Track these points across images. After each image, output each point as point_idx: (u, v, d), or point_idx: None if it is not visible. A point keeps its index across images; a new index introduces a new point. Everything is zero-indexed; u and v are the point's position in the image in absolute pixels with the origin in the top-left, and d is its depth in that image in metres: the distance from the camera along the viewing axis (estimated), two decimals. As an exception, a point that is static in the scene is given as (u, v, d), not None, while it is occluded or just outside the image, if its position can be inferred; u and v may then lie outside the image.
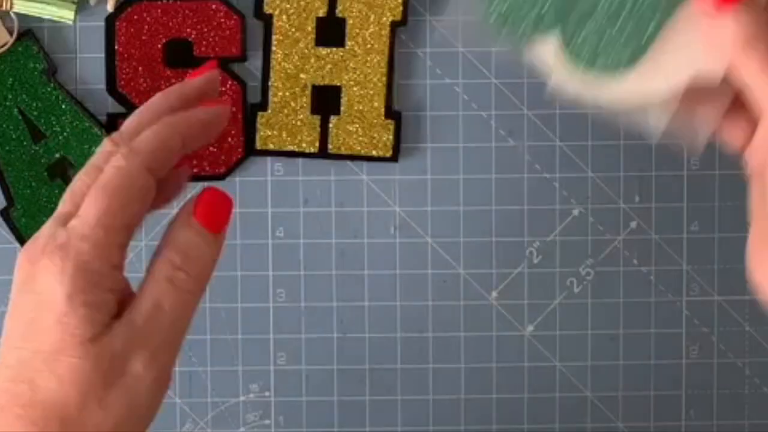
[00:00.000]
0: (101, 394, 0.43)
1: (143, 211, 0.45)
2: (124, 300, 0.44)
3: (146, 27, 0.63)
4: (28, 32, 0.63)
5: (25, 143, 0.63)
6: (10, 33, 0.62)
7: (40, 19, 0.63)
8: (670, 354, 0.65)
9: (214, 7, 0.62)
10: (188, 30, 0.63)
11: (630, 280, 0.65)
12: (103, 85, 0.63)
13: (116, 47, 0.63)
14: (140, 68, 0.63)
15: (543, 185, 0.64)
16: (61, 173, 0.63)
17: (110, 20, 0.63)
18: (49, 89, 0.63)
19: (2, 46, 0.62)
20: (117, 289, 0.44)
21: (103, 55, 0.63)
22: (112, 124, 0.63)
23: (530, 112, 0.64)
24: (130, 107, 0.63)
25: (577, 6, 0.47)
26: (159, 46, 0.63)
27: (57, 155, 0.63)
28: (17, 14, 0.62)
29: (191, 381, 0.64)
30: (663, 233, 0.65)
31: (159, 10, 0.63)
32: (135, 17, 0.63)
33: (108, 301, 0.43)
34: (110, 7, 0.63)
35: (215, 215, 0.46)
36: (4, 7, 0.62)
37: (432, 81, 0.64)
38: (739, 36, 0.45)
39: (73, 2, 0.63)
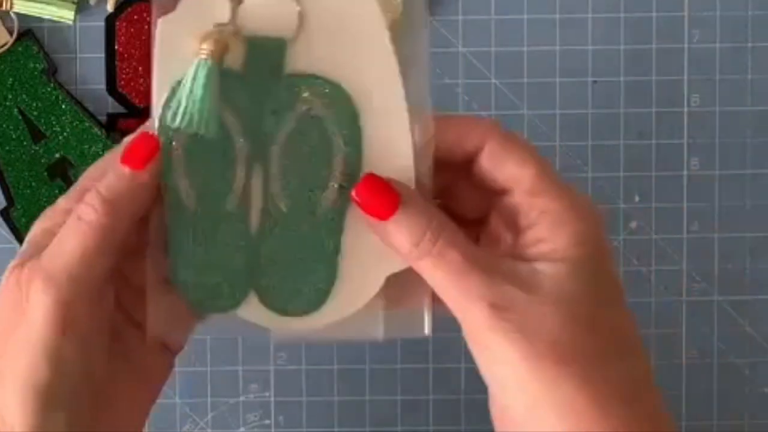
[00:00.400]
0: (11, 316, 0.45)
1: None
2: None
3: (146, 27, 0.63)
4: (28, 32, 0.63)
5: (25, 143, 0.63)
6: (10, 33, 0.62)
7: (40, 19, 0.63)
8: (670, 354, 0.65)
9: None
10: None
11: (630, 280, 0.65)
12: (103, 85, 0.63)
13: (116, 47, 0.63)
14: (140, 68, 0.63)
15: (543, 185, 0.64)
16: (61, 173, 0.63)
17: (110, 20, 0.63)
18: (49, 89, 0.63)
19: (2, 46, 0.62)
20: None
21: (103, 55, 0.63)
22: (112, 124, 0.63)
23: (530, 112, 0.64)
24: (130, 107, 0.63)
25: (258, 259, 0.47)
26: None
27: (57, 155, 0.63)
28: (17, 14, 0.62)
29: (191, 381, 0.64)
30: (663, 233, 0.65)
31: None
32: (135, 17, 0.63)
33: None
34: (110, 7, 0.63)
35: (134, 153, 0.46)
36: (4, 7, 0.62)
37: (432, 81, 0.64)
38: (406, 243, 0.45)
39: (73, 2, 0.63)
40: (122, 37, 0.63)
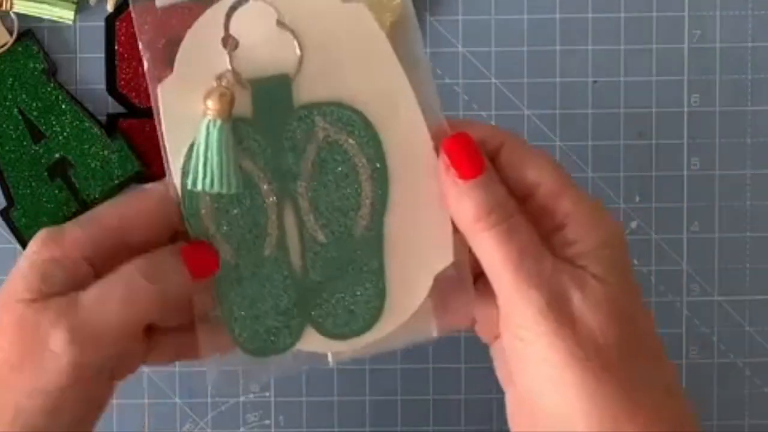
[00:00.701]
0: (14, 360, 0.44)
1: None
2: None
3: (146, 27, 0.63)
4: (28, 32, 0.63)
5: (25, 143, 0.63)
6: (10, 33, 0.62)
7: (40, 19, 0.63)
8: (670, 354, 0.64)
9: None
10: (188, 30, 0.63)
11: (630, 280, 0.65)
12: (103, 85, 0.63)
13: (116, 47, 0.63)
14: (140, 68, 0.63)
15: (543, 185, 0.64)
16: (61, 173, 0.63)
17: (110, 20, 0.63)
18: (49, 89, 0.63)
19: (2, 46, 0.62)
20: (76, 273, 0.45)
21: (103, 55, 0.63)
22: (112, 124, 0.63)
23: (530, 112, 0.64)
24: (130, 107, 0.63)
25: (306, 293, 0.47)
26: (159, 46, 0.63)
27: (57, 155, 0.63)
28: (17, 14, 0.62)
29: (191, 381, 0.64)
30: (663, 233, 0.65)
31: (159, 10, 0.62)
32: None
33: (57, 274, 0.44)
34: (110, 7, 0.63)
35: (199, 264, 0.46)
36: (4, 7, 0.62)
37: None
38: (480, 208, 0.45)
39: (73, 2, 0.63)
40: (122, 37, 0.63)
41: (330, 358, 0.49)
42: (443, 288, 0.48)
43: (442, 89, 0.64)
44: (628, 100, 0.64)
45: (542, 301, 0.43)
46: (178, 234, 0.47)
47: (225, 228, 0.46)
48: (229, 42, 0.45)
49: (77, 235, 0.45)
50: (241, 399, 0.65)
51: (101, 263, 0.45)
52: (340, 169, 0.46)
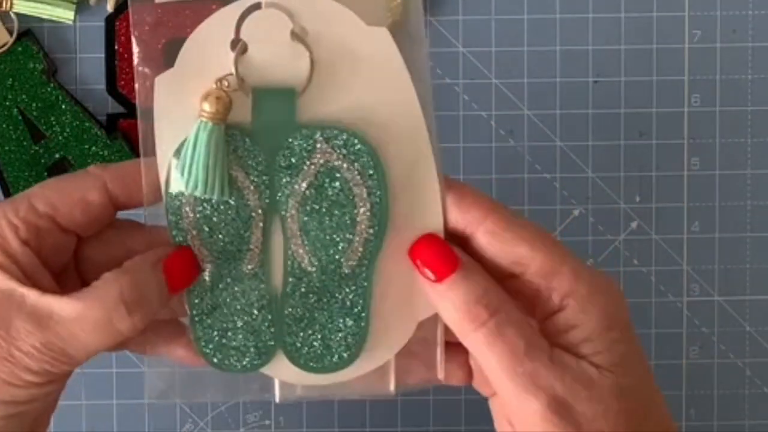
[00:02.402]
0: None
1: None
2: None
3: (146, 27, 0.63)
4: (28, 32, 0.63)
5: (25, 143, 0.63)
6: (10, 33, 0.62)
7: (40, 19, 0.63)
8: (670, 354, 0.65)
9: (214, 7, 0.62)
10: (188, 30, 0.62)
11: (630, 280, 0.65)
12: (103, 85, 0.63)
13: (116, 47, 0.63)
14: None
15: (543, 185, 0.64)
16: (61, 173, 0.63)
17: (110, 20, 0.63)
18: (49, 89, 0.63)
19: (2, 46, 0.62)
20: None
21: (103, 55, 0.63)
22: (112, 124, 0.63)
23: (530, 112, 0.64)
24: (130, 107, 0.63)
25: (282, 317, 0.45)
26: (159, 46, 0.63)
27: (57, 155, 0.63)
28: (17, 14, 0.62)
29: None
30: (663, 233, 0.65)
31: (159, 10, 0.62)
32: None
33: None
34: (110, 7, 0.63)
35: (180, 277, 0.45)
36: (4, 7, 0.62)
37: (432, 81, 0.64)
38: (460, 308, 0.42)
39: (73, 2, 0.63)
40: (122, 37, 0.63)
41: (277, 392, 0.47)
42: (409, 344, 0.45)
43: (442, 89, 0.64)
44: (628, 100, 0.64)
45: (543, 407, 0.41)
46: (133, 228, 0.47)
47: (206, 233, 0.45)
48: (239, 45, 0.44)
49: (13, 220, 0.44)
50: (242, 399, 0.65)
51: (40, 243, 0.44)
52: (336, 197, 0.44)
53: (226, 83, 0.44)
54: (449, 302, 0.43)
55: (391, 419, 0.65)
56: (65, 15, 0.63)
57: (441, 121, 0.64)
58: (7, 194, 0.63)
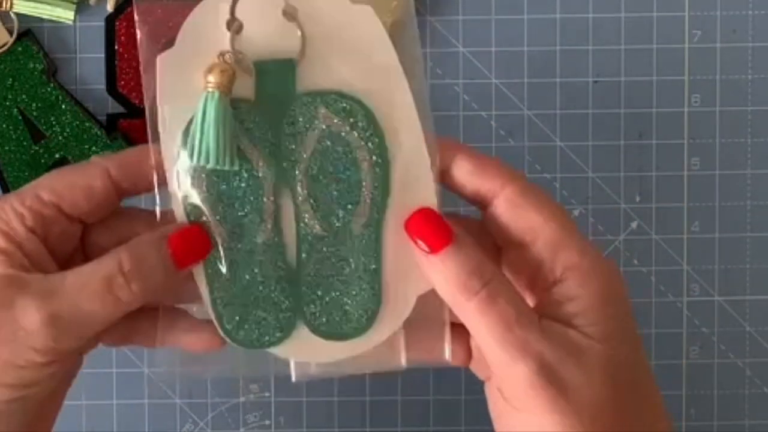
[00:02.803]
0: None
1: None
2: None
3: (146, 27, 0.63)
4: (28, 32, 0.63)
5: (25, 143, 0.63)
6: (10, 33, 0.62)
7: (40, 19, 0.63)
8: (670, 354, 0.65)
9: None
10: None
11: (630, 280, 0.64)
12: (103, 85, 0.63)
13: (116, 47, 0.63)
14: (140, 68, 0.63)
15: (543, 185, 0.64)
16: (61, 173, 0.63)
17: (110, 20, 0.63)
18: (49, 89, 0.63)
19: (2, 46, 0.62)
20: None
21: (103, 55, 0.63)
22: (112, 124, 0.63)
23: (530, 112, 0.64)
24: (130, 107, 0.63)
25: (300, 287, 0.46)
26: (159, 46, 0.63)
27: (57, 155, 0.63)
28: (17, 14, 0.62)
29: (191, 381, 0.64)
30: (663, 233, 0.65)
31: (159, 10, 0.62)
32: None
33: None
34: (110, 7, 0.63)
35: (187, 253, 0.45)
36: (4, 7, 0.62)
37: (432, 81, 0.64)
38: (453, 279, 0.43)
39: (73, 2, 0.63)
40: (122, 37, 0.63)
41: (293, 371, 0.48)
42: (417, 322, 0.46)
43: (442, 89, 0.64)
44: (628, 100, 0.64)
45: (531, 372, 0.42)
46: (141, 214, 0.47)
47: (219, 207, 0.46)
48: (234, 24, 0.45)
49: (19, 209, 0.45)
50: (242, 399, 0.65)
51: (46, 231, 0.45)
52: (340, 160, 0.46)
53: (228, 57, 0.45)
54: (443, 274, 0.44)
55: (391, 419, 0.65)
56: (65, 15, 0.63)
57: (441, 121, 0.64)
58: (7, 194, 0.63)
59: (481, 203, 0.46)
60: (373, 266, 0.46)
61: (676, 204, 0.65)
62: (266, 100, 0.46)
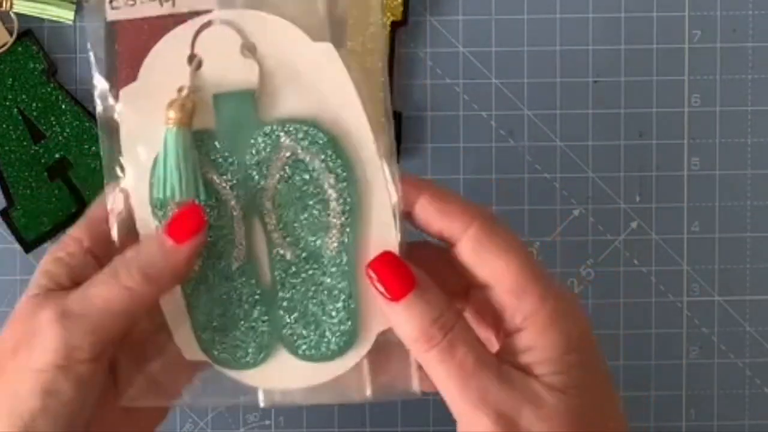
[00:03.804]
0: (10, 346, 0.45)
1: None
2: None
3: (146, 27, 0.62)
4: (28, 32, 0.63)
5: (25, 143, 0.63)
6: (10, 33, 0.62)
7: (40, 19, 0.63)
8: (670, 354, 0.65)
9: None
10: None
11: (630, 280, 0.65)
12: (103, 85, 0.63)
13: (116, 47, 0.63)
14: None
15: (543, 185, 0.64)
16: (61, 173, 0.63)
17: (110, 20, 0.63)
18: (49, 89, 0.63)
19: (2, 46, 0.62)
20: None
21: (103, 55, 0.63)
22: (112, 124, 0.63)
23: (530, 112, 0.64)
24: (130, 107, 0.63)
25: (277, 311, 0.47)
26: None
27: (57, 155, 0.63)
28: (17, 14, 0.62)
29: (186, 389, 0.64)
30: (663, 233, 0.65)
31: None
32: (135, 18, 0.62)
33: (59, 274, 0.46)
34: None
35: (182, 229, 0.45)
36: (4, 7, 0.62)
37: (432, 81, 0.64)
38: (415, 328, 0.43)
39: (73, 2, 0.63)
40: (122, 38, 0.63)
41: (261, 398, 0.48)
42: (382, 349, 0.46)
43: (442, 89, 0.64)
44: (628, 100, 0.64)
45: (490, 422, 0.42)
46: None
47: None
48: (194, 60, 0.46)
49: (76, 232, 0.47)
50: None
51: (104, 251, 0.47)
52: (306, 187, 0.46)
53: (186, 92, 0.46)
54: (405, 323, 0.43)
55: (391, 419, 0.65)
56: (65, 15, 0.63)
57: (441, 121, 0.64)
58: (7, 194, 0.63)
59: (447, 242, 0.45)
60: (348, 290, 0.46)
61: (676, 204, 0.65)
62: (228, 131, 0.46)
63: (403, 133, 0.64)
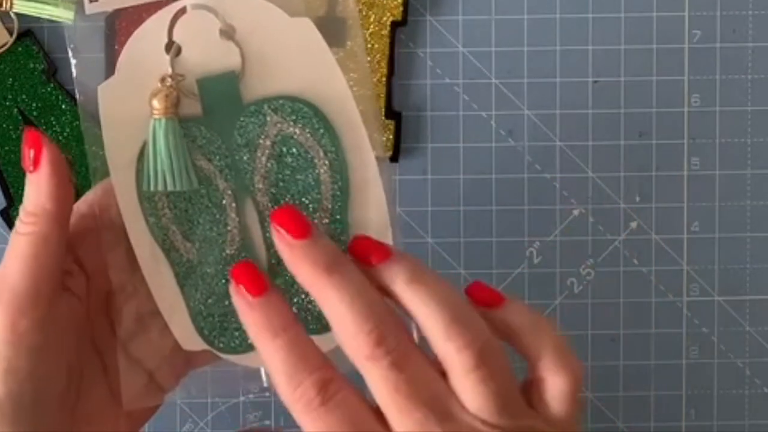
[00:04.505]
0: None
1: None
2: None
3: (146, 17, 0.62)
4: (28, 32, 0.63)
5: (25, 143, 0.63)
6: (10, 33, 0.62)
7: (40, 19, 0.63)
8: (670, 354, 0.65)
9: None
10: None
11: (630, 280, 0.65)
12: (103, 85, 0.63)
13: (116, 47, 0.63)
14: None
15: (543, 185, 0.64)
16: (61, 173, 0.63)
17: (110, 20, 0.63)
18: (49, 89, 0.63)
19: (2, 46, 0.62)
20: None
21: (103, 55, 0.63)
22: (112, 124, 0.63)
23: (530, 112, 0.64)
24: (130, 107, 0.63)
25: (281, 285, 0.47)
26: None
27: (57, 155, 0.63)
28: (17, 14, 0.62)
29: (191, 381, 0.64)
30: (663, 233, 0.65)
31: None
32: (135, 17, 0.62)
33: None
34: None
35: (28, 156, 0.45)
36: (4, 7, 0.62)
37: (432, 81, 0.64)
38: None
39: (73, 2, 0.63)
40: (122, 37, 0.63)
41: (264, 377, 0.49)
42: None
43: (442, 89, 0.64)
44: (628, 100, 0.64)
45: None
46: None
47: (185, 226, 0.46)
48: (172, 48, 0.46)
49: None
50: (241, 399, 0.65)
51: (84, 248, 0.47)
52: (296, 163, 0.46)
53: (169, 81, 0.46)
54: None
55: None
56: (65, 15, 0.63)
57: (441, 121, 0.64)
58: (7, 194, 0.63)
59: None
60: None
61: (676, 204, 0.65)
62: (214, 115, 0.46)
63: (403, 133, 0.64)
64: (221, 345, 0.47)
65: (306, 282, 0.44)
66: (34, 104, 0.63)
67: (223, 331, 0.47)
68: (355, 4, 0.56)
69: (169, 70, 0.46)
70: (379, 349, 0.42)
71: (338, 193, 0.46)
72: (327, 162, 0.46)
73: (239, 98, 0.46)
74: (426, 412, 0.41)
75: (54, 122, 0.63)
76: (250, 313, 0.44)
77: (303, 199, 0.46)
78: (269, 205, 0.46)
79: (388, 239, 0.47)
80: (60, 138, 0.63)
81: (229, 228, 0.47)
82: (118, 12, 0.63)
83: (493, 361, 0.42)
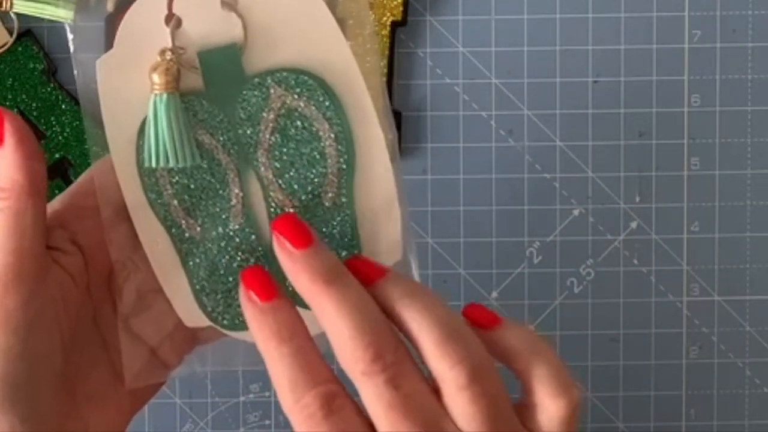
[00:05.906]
0: None
1: None
2: None
3: (146, 27, 0.62)
4: (28, 32, 0.63)
5: (25, 143, 0.63)
6: (10, 33, 0.62)
7: (40, 19, 0.63)
8: (670, 354, 0.65)
9: None
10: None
11: (630, 280, 0.65)
12: (103, 85, 0.63)
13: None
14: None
15: (543, 185, 0.64)
16: (61, 173, 0.63)
17: (110, 20, 0.63)
18: (49, 89, 0.63)
19: (2, 46, 0.62)
20: None
21: (103, 55, 0.63)
22: (112, 124, 0.63)
23: (530, 112, 0.64)
24: (130, 107, 0.63)
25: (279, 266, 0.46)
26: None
27: (57, 155, 0.63)
28: (17, 14, 0.62)
29: (191, 381, 0.64)
30: (663, 233, 0.65)
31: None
32: (135, 17, 0.62)
33: None
34: (110, 7, 0.63)
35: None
36: (4, 7, 0.62)
37: (432, 81, 0.64)
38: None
39: (73, 2, 0.63)
40: (122, 37, 0.63)
41: None
42: None
43: (442, 89, 0.64)
44: (628, 100, 0.64)
45: None
46: None
47: (187, 201, 0.46)
48: (173, 20, 0.45)
49: (55, 204, 0.47)
50: (241, 399, 0.65)
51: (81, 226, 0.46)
52: (300, 135, 0.45)
53: (169, 54, 0.45)
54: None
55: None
56: (65, 15, 0.63)
57: (441, 121, 0.64)
58: (7, 194, 0.63)
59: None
60: (350, 231, 0.46)
61: (676, 204, 0.65)
62: (216, 89, 0.45)
63: (403, 133, 0.64)
64: (225, 322, 0.47)
65: (304, 292, 0.43)
66: (34, 104, 0.63)
67: (227, 308, 0.46)
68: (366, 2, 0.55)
69: (170, 43, 0.45)
70: (375, 365, 0.42)
71: (344, 166, 0.45)
72: (332, 135, 0.45)
73: (242, 71, 0.45)
74: (418, 431, 0.41)
75: (54, 122, 0.63)
76: (258, 318, 0.43)
77: (308, 173, 0.45)
78: (273, 179, 0.46)
79: (395, 211, 0.46)
80: (60, 138, 0.63)
81: (232, 203, 0.46)
82: (118, 12, 0.63)
83: (487, 379, 0.42)
